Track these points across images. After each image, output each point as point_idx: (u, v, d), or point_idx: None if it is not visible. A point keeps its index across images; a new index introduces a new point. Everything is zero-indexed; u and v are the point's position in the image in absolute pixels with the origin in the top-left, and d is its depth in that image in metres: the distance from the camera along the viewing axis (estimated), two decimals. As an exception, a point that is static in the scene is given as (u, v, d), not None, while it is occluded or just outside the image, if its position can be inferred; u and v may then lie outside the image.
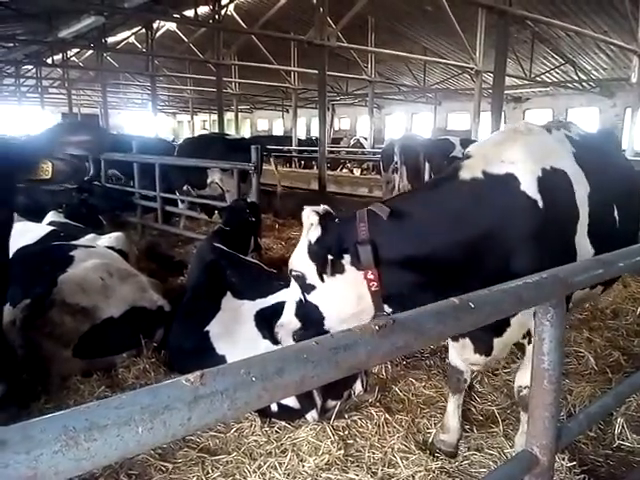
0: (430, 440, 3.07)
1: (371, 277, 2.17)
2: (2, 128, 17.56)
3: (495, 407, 3.41)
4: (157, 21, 18.96)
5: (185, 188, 8.68)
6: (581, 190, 2.42)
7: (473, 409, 3.45)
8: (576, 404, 3.42)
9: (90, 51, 22.01)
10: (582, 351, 4.12)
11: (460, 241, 2.18)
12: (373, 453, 2.92)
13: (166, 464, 2.82)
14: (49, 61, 23.33)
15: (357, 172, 18.62)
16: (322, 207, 2.34)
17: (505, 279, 1.90)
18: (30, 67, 25.41)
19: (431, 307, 1.26)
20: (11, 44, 20.50)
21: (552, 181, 2.29)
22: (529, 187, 2.22)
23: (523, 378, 2.60)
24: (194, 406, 0.83)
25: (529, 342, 2.48)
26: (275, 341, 3.34)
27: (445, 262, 2.19)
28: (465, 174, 2.29)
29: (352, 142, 24.82)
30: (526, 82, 19.99)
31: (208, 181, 8.40)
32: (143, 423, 0.78)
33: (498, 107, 10.59)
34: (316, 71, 12.45)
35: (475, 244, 2.18)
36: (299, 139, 23.79)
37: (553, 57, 19.78)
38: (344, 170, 19.55)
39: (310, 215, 2.27)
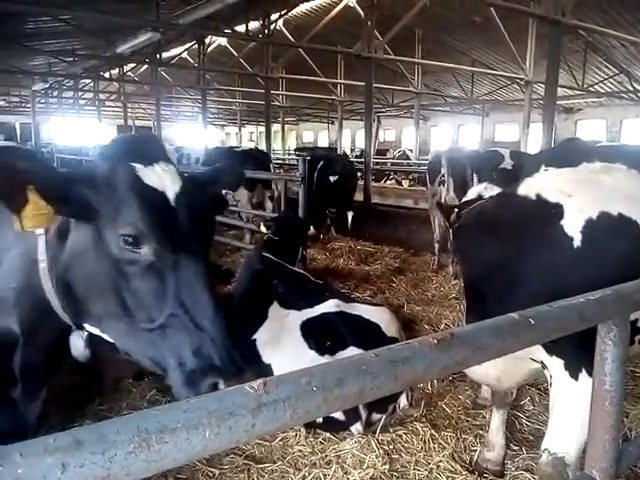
0: (475, 459, 2.99)
1: None
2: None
3: (546, 427, 3.29)
4: (209, 36, 19.51)
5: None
6: None
7: (524, 428, 3.35)
8: (632, 427, 3.27)
9: (145, 66, 22.82)
10: (638, 371, 3.94)
11: (492, 243, 2.39)
12: (418, 470, 2.87)
13: (213, 470, 2.86)
14: (106, 75, 24.37)
15: (405, 184, 18.42)
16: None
17: (510, 295, 2.20)
18: (88, 81, 26.60)
19: (490, 322, 1.23)
20: (71, 59, 21.45)
21: (609, 227, 2.17)
22: (570, 223, 2.16)
23: (550, 438, 2.22)
24: (257, 413, 0.84)
25: (553, 384, 2.26)
26: (321, 351, 3.37)
27: (495, 257, 2.38)
28: (522, 189, 2.41)
29: (397, 154, 24.68)
30: (578, 92, 19.44)
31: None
32: (210, 428, 0.79)
33: (550, 118, 10.33)
34: (362, 83, 12.50)
35: (503, 251, 2.34)
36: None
37: (606, 67, 19.18)
38: (390, 182, 19.40)
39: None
